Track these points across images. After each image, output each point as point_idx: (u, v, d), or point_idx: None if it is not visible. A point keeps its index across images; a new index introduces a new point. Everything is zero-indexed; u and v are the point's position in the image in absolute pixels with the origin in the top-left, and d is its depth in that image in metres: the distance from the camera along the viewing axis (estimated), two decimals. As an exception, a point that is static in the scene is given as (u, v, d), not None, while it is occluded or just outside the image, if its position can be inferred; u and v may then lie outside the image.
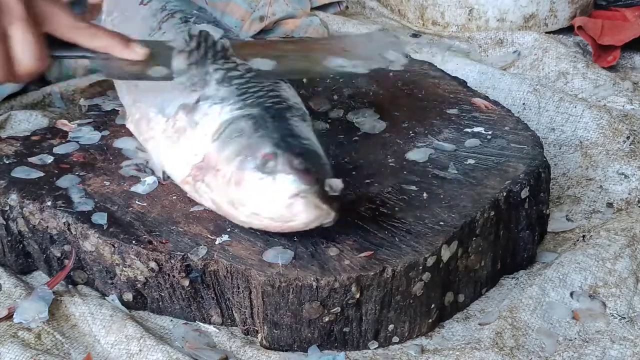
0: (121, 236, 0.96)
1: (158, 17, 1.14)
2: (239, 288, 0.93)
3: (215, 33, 1.08)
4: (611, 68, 1.56)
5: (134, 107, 1.09)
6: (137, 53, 0.99)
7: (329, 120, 1.16)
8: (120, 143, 1.12)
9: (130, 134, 1.14)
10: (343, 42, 1.08)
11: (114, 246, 0.96)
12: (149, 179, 1.04)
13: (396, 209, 0.99)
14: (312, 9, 1.73)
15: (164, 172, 1.04)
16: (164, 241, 0.95)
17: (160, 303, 0.99)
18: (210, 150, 0.95)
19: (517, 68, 1.57)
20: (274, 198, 0.88)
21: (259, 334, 0.95)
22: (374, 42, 1.11)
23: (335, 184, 0.89)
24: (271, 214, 0.90)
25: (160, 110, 1.03)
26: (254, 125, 0.95)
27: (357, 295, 0.91)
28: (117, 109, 1.19)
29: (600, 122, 1.32)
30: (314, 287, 0.90)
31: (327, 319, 0.92)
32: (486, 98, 1.22)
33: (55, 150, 1.11)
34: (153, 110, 1.04)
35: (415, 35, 1.72)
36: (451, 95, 1.23)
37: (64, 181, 1.04)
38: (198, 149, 0.96)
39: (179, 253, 0.94)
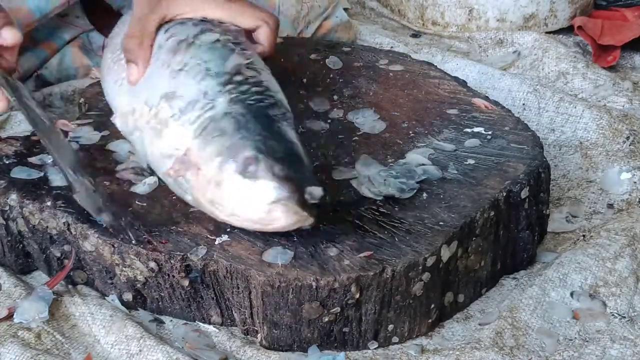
0: (121, 236, 0.96)
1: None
2: (238, 288, 0.93)
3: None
4: (611, 68, 1.55)
5: (119, 101, 1.10)
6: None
7: (329, 120, 1.16)
8: (114, 146, 1.11)
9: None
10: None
11: (113, 246, 0.96)
12: (149, 179, 1.04)
13: (396, 209, 0.99)
14: None
15: (148, 165, 1.04)
16: (163, 241, 0.95)
17: (160, 303, 0.99)
18: (192, 146, 0.95)
19: (517, 68, 1.57)
20: (253, 202, 0.89)
21: (259, 334, 0.95)
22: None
23: (316, 192, 0.89)
24: (250, 216, 0.91)
25: (145, 101, 1.03)
26: (236, 124, 0.94)
27: (357, 296, 0.91)
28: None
29: (600, 122, 1.32)
30: (314, 287, 0.90)
31: (326, 319, 0.92)
32: (486, 98, 1.22)
33: (55, 150, 1.11)
34: (138, 101, 1.05)
35: (415, 35, 1.72)
36: (451, 95, 1.23)
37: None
38: (180, 142, 0.96)
39: (178, 253, 0.94)
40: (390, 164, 1.05)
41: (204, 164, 0.93)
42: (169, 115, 0.99)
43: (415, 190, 1.00)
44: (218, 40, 1.06)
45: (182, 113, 0.98)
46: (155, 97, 1.02)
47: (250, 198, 0.89)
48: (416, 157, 1.06)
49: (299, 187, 0.88)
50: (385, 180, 1.00)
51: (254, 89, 1.00)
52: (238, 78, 1.00)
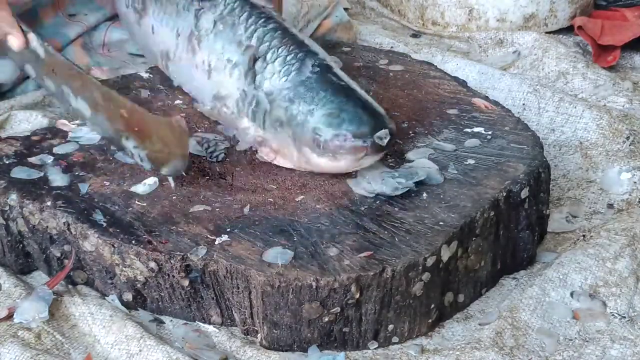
0: (121, 236, 0.96)
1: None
2: (238, 288, 0.93)
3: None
4: (611, 68, 1.56)
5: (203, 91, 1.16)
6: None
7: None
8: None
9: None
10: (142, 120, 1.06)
11: (113, 246, 0.96)
12: (149, 180, 1.04)
13: (396, 209, 0.99)
14: None
15: (234, 136, 1.12)
16: (163, 241, 0.95)
17: (160, 303, 0.99)
18: (266, 137, 1.06)
19: (517, 68, 1.57)
20: (339, 167, 1.02)
21: (259, 334, 0.95)
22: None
23: (383, 134, 1.00)
24: (344, 170, 1.03)
25: (206, 101, 1.14)
26: (286, 110, 1.03)
27: (357, 296, 0.91)
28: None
29: (600, 122, 1.32)
30: (314, 287, 0.90)
31: (326, 319, 0.92)
32: (486, 98, 1.22)
33: (55, 150, 1.11)
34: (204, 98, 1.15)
35: (415, 35, 1.72)
36: (451, 95, 1.23)
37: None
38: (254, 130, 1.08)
39: (178, 253, 0.94)
40: (396, 167, 1.05)
41: (285, 150, 1.05)
42: (229, 113, 1.09)
43: (407, 189, 1.00)
44: (215, 22, 1.10)
45: (239, 110, 1.08)
46: (208, 99, 1.13)
47: (337, 165, 1.02)
48: (424, 161, 1.06)
49: (368, 138, 0.99)
50: (383, 179, 1.01)
51: (276, 57, 1.06)
52: (258, 64, 1.07)
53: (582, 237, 1.11)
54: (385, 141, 1.00)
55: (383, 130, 1.00)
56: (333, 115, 1.01)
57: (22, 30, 1.11)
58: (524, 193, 1.03)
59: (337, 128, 1.00)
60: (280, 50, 1.06)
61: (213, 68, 1.11)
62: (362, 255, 0.92)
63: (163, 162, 1.03)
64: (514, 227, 1.04)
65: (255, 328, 0.95)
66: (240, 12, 1.10)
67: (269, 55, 1.06)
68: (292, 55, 1.06)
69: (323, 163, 1.02)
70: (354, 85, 1.06)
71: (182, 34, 1.14)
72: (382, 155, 1.03)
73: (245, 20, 1.09)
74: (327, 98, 1.02)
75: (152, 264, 0.95)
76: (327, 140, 1.00)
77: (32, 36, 1.11)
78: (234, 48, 1.08)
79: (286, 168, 1.07)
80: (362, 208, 0.99)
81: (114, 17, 1.48)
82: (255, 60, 1.06)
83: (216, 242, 0.95)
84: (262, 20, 1.09)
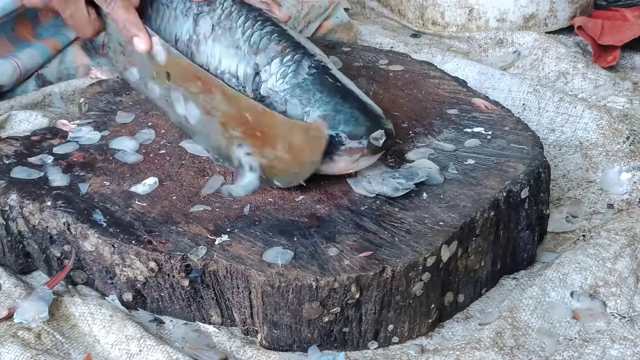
0: (121, 236, 0.96)
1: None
2: (238, 288, 0.93)
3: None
4: (611, 68, 1.56)
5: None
6: None
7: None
8: (117, 143, 1.12)
9: (129, 134, 1.14)
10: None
11: (113, 246, 0.96)
12: (149, 180, 1.04)
13: (396, 209, 0.99)
14: None
15: None
16: (163, 241, 0.95)
17: (160, 303, 0.99)
18: None
19: (517, 68, 1.57)
20: (340, 166, 1.02)
21: (259, 334, 0.95)
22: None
23: (379, 135, 1.00)
24: (341, 171, 1.03)
25: None
26: (293, 112, 1.02)
27: (357, 296, 0.91)
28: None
29: (600, 122, 1.32)
30: (314, 287, 0.90)
31: (326, 319, 0.92)
32: (486, 98, 1.22)
33: (55, 150, 1.11)
34: None
35: (415, 35, 1.72)
36: (451, 95, 1.23)
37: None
38: None
39: (178, 253, 0.94)
40: (397, 167, 1.05)
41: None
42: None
43: (408, 190, 1.00)
44: (214, 26, 1.10)
45: None
46: None
47: (335, 167, 1.02)
48: (424, 161, 1.06)
49: (364, 139, 1.00)
50: (383, 180, 1.01)
51: (273, 60, 1.06)
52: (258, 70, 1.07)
53: (582, 237, 1.11)
54: (381, 142, 1.00)
55: (379, 131, 1.00)
56: (328, 116, 1.00)
57: (148, 33, 1.10)
58: (524, 193, 1.03)
59: (332, 129, 0.99)
60: (276, 52, 1.06)
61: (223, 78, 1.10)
62: (362, 255, 0.92)
63: (277, 172, 1.01)
64: (514, 227, 1.04)
65: (255, 328, 0.95)
66: (237, 16, 1.10)
67: (266, 59, 1.06)
68: (289, 57, 1.05)
69: (322, 164, 1.02)
70: (351, 85, 1.06)
71: (181, 39, 1.13)
72: (379, 156, 1.03)
73: (242, 24, 1.09)
74: (322, 99, 1.02)
75: (152, 264, 0.95)
76: None
77: (155, 40, 1.09)
78: (232, 52, 1.08)
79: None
80: (362, 208, 0.99)
81: None
82: (257, 73, 1.06)
83: (216, 242, 0.95)
84: (259, 23, 1.09)
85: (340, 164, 1.01)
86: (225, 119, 1.04)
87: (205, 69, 1.08)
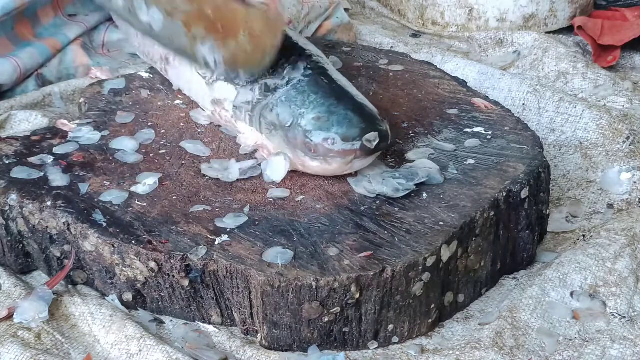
0: (121, 236, 0.96)
1: None
2: (238, 288, 0.93)
3: None
4: (611, 68, 1.56)
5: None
6: None
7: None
8: (117, 143, 1.12)
9: (129, 134, 1.14)
10: None
11: (113, 246, 0.96)
12: (149, 180, 1.04)
13: (396, 209, 0.99)
14: None
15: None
16: (163, 241, 0.95)
17: (160, 303, 0.99)
18: (264, 141, 1.07)
19: (517, 68, 1.57)
20: (334, 169, 1.02)
21: (259, 334, 0.95)
22: None
23: (372, 137, 0.99)
24: (336, 172, 1.03)
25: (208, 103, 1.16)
26: (277, 115, 1.03)
27: (357, 296, 0.91)
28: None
29: (600, 122, 1.32)
30: (314, 287, 0.90)
31: (326, 319, 0.92)
32: (486, 98, 1.22)
33: (55, 150, 1.11)
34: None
35: (415, 35, 1.72)
36: (451, 95, 1.23)
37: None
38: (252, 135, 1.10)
39: (178, 253, 0.94)
40: (397, 167, 1.05)
41: (282, 152, 1.05)
42: (229, 117, 1.12)
43: (409, 191, 1.00)
44: None
45: (237, 115, 1.09)
46: (207, 102, 1.15)
47: (330, 168, 1.02)
48: (424, 162, 1.06)
49: (359, 141, 0.99)
50: (383, 180, 1.01)
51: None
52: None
53: (582, 237, 1.11)
54: (374, 144, 0.99)
55: (372, 133, 0.99)
56: (322, 119, 1.00)
57: None
58: (524, 193, 1.03)
59: (326, 131, 0.99)
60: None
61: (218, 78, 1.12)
62: (362, 255, 0.92)
63: (241, 62, 1.03)
64: (514, 227, 1.04)
65: (255, 328, 0.95)
66: None
67: None
68: (284, 59, 1.06)
69: (315, 166, 1.02)
70: (348, 87, 1.06)
71: None
72: (374, 158, 1.03)
73: None
74: (317, 101, 1.02)
75: (152, 264, 0.95)
76: (317, 144, 1.00)
77: None
78: None
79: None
80: (362, 208, 0.99)
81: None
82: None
83: (216, 242, 0.95)
84: None
85: (334, 166, 1.01)
86: (187, 18, 1.04)
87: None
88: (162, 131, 1.16)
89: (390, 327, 0.95)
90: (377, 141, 0.99)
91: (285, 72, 1.05)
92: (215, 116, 1.14)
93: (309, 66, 1.05)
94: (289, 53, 1.06)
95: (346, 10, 1.79)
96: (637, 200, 1.20)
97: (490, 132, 1.13)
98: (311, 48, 1.10)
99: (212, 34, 1.03)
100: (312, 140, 1.00)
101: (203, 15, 1.03)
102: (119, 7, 1.12)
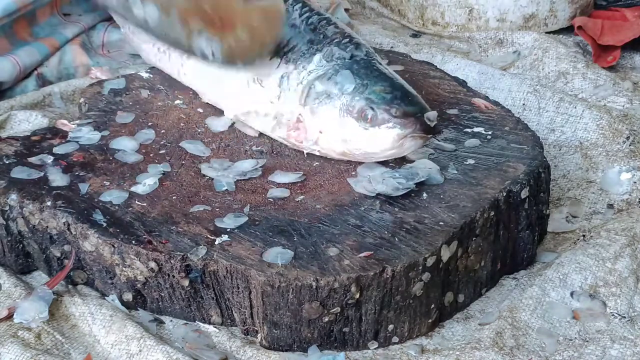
0: (121, 236, 0.96)
1: None
2: (238, 288, 0.93)
3: None
4: (611, 68, 1.55)
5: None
6: None
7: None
8: (117, 143, 1.12)
9: (129, 134, 1.14)
10: None
11: (113, 246, 0.96)
12: (149, 180, 1.04)
13: (396, 209, 0.99)
14: None
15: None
16: (163, 241, 0.95)
17: (160, 303, 0.99)
18: (303, 114, 1.06)
19: (517, 68, 1.57)
20: (385, 144, 1.02)
21: (259, 334, 0.95)
22: None
23: (432, 115, 1.01)
24: (385, 154, 1.03)
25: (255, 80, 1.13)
26: (336, 83, 1.04)
27: (357, 296, 0.91)
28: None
29: (600, 122, 1.32)
30: (314, 287, 0.90)
31: (326, 319, 0.92)
32: (486, 98, 1.22)
33: (55, 150, 1.11)
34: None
35: (415, 35, 1.72)
36: (451, 95, 1.23)
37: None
38: (287, 109, 1.09)
39: (178, 253, 0.94)
40: (397, 167, 1.05)
41: (323, 127, 1.05)
42: (264, 91, 1.11)
43: (409, 190, 1.00)
44: None
45: (281, 88, 1.09)
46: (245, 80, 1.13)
47: (381, 142, 1.02)
48: (424, 161, 1.06)
49: (418, 117, 1.01)
50: (383, 179, 1.01)
51: (333, 40, 1.09)
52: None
53: (582, 237, 1.11)
54: (433, 123, 1.01)
55: (433, 112, 1.01)
56: (386, 90, 1.03)
57: None
58: (524, 193, 1.03)
59: (388, 101, 1.01)
60: (334, 34, 1.09)
61: None
62: (362, 255, 0.92)
63: (239, 54, 1.03)
64: (514, 227, 1.04)
65: (255, 328, 0.95)
66: (294, 2, 1.13)
67: (324, 38, 1.09)
68: (347, 39, 1.09)
69: (366, 137, 1.02)
70: (398, 76, 1.09)
71: None
72: (423, 144, 1.04)
73: (300, 8, 1.12)
74: (380, 77, 1.05)
75: (152, 264, 0.95)
76: (378, 111, 1.01)
77: None
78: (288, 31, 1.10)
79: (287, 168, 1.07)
80: (362, 208, 0.99)
81: (111, 18, 1.49)
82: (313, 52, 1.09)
83: (216, 242, 0.95)
84: (316, 11, 1.13)
85: (388, 136, 1.01)
86: (184, 13, 1.05)
87: None
88: (162, 131, 1.16)
89: (390, 327, 0.95)
90: (435, 121, 1.01)
91: (348, 48, 1.07)
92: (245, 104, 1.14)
93: (368, 50, 1.09)
94: (348, 34, 1.10)
95: (346, 10, 1.79)
96: (637, 200, 1.20)
97: (490, 132, 1.13)
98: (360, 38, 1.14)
99: (209, 27, 1.03)
100: (373, 107, 1.01)
101: (200, 9, 1.03)
102: (112, 3, 1.13)
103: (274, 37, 1.04)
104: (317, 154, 1.08)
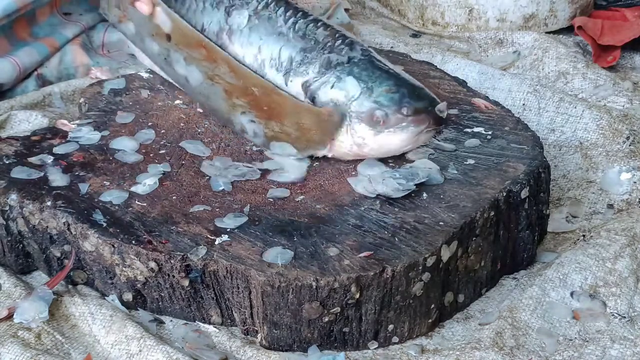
0: (121, 236, 0.96)
1: None
2: (238, 288, 0.93)
3: None
4: (611, 68, 1.55)
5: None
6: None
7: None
8: (117, 143, 1.12)
9: (129, 134, 1.14)
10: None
11: (113, 246, 0.96)
12: (149, 180, 1.04)
13: (396, 209, 0.99)
14: None
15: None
16: (163, 241, 0.95)
17: (160, 303, 0.99)
18: None
19: (517, 68, 1.57)
20: (400, 143, 1.04)
21: (259, 334, 0.95)
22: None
23: (443, 106, 1.04)
24: (404, 149, 1.06)
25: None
26: (343, 86, 1.04)
27: (357, 296, 0.91)
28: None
29: (600, 122, 1.32)
30: (314, 287, 0.90)
31: (326, 319, 0.92)
32: (486, 98, 1.22)
33: (55, 150, 1.11)
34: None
35: (415, 35, 1.72)
36: (451, 95, 1.23)
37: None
38: None
39: (178, 253, 0.94)
40: (397, 167, 1.05)
41: (334, 136, 1.05)
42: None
43: (409, 191, 1.00)
44: (250, 16, 1.13)
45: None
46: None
47: (396, 142, 1.04)
48: (424, 162, 1.06)
49: (430, 111, 1.04)
50: (383, 180, 1.01)
51: (326, 44, 1.08)
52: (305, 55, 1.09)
53: (582, 237, 1.11)
54: (445, 114, 1.03)
55: (443, 103, 1.03)
56: (392, 90, 1.04)
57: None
58: (524, 193, 1.03)
59: (398, 102, 1.02)
60: (326, 37, 1.09)
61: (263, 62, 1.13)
62: (362, 255, 0.92)
63: (280, 140, 1.04)
64: (514, 227, 1.04)
65: (255, 328, 0.95)
66: (276, 7, 1.13)
67: (315, 43, 1.09)
68: (340, 40, 1.09)
69: (381, 139, 1.03)
70: (399, 69, 1.09)
71: (209, 30, 1.15)
72: (438, 131, 1.07)
73: (283, 13, 1.12)
74: (382, 76, 1.05)
75: (152, 264, 0.95)
76: (389, 114, 1.02)
77: (159, 10, 1.12)
78: (273, 39, 1.11)
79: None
80: (362, 208, 0.99)
81: None
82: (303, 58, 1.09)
83: (216, 242, 0.95)
84: (300, 13, 1.13)
85: (405, 136, 1.03)
86: (230, 88, 1.04)
87: (241, 59, 1.11)
88: (162, 131, 1.16)
89: (390, 327, 0.95)
90: (446, 112, 1.02)
91: (343, 51, 1.07)
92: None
93: (363, 47, 1.09)
94: (340, 35, 1.09)
95: (346, 10, 1.79)
96: (637, 200, 1.20)
97: (490, 132, 1.13)
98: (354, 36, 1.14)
99: (255, 110, 1.03)
100: (384, 110, 1.02)
101: (247, 91, 1.04)
102: (152, 52, 1.13)
103: (322, 141, 1.04)
104: (330, 156, 1.08)
